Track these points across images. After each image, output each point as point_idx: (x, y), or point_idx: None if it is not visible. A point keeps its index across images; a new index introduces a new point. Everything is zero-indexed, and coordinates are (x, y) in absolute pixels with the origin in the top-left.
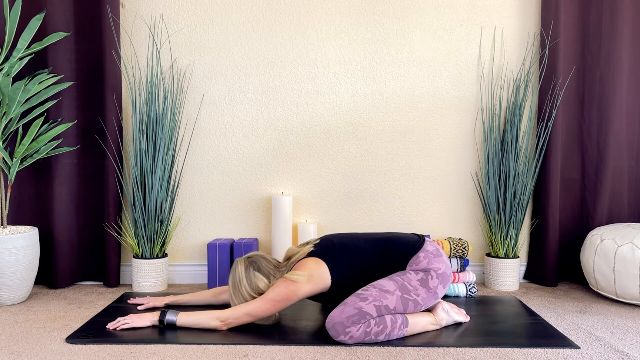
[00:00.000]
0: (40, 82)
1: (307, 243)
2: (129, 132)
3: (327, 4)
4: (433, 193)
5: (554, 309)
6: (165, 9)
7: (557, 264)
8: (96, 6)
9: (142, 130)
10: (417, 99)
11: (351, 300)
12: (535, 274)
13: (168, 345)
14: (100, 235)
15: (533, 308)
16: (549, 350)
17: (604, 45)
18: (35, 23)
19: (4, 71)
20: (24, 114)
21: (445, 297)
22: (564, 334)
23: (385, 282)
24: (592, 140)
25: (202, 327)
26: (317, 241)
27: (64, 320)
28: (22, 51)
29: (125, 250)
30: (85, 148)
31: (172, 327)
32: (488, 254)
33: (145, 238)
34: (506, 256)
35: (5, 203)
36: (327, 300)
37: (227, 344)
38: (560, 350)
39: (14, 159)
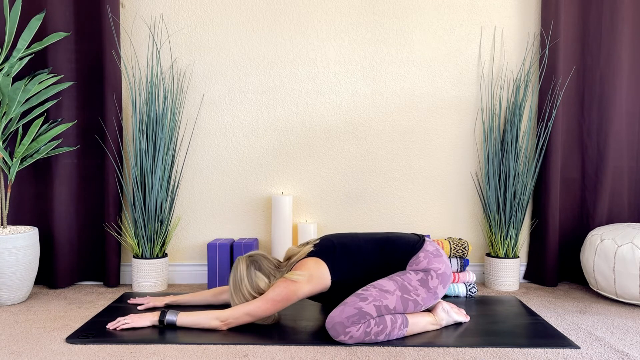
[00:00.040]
0: (40, 82)
1: (307, 243)
2: (129, 132)
3: (327, 4)
4: (433, 193)
5: (554, 309)
6: (165, 9)
7: (557, 264)
8: (96, 6)
9: (142, 130)
10: (417, 99)
11: (351, 300)
12: (535, 274)
13: (168, 345)
14: (100, 235)
15: (533, 308)
16: (549, 350)
17: (604, 45)
18: (35, 23)
19: (4, 71)
20: (24, 114)
21: (445, 297)
22: (564, 334)
23: (385, 282)
24: (592, 140)
25: (202, 327)
26: (317, 241)
27: (64, 320)
28: (22, 51)
29: (125, 250)
30: (85, 148)
31: (172, 327)
32: (488, 254)
33: (145, 238)
34: (506, 256)
35: (5, 203)
36: (327, 300)
37: (227, 344)
38: (560, 350)
39: (14, 159)
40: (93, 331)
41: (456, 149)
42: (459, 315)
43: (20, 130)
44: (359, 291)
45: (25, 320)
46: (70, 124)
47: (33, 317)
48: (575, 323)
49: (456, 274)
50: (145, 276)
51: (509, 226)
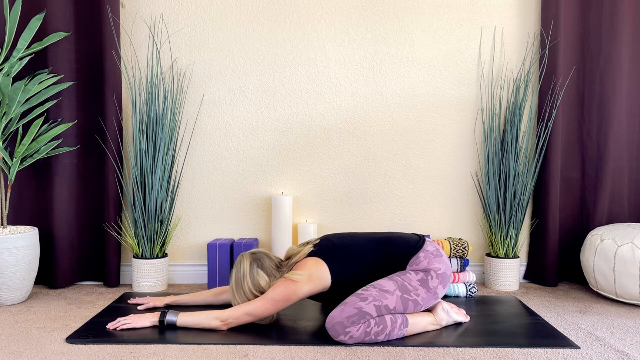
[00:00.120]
0: (40, 82)
1: (307, 243)
2: (129, 132)
3: (327, 4)
4: (433, 193)
5: (554, 309)
6: (165, 9)
7: (557, 264)
8: (96, 6)
9: (142, 130)
10: (417, 99)
11: (351, 300)
12: (535, 274)
13: (168, 345)
14: (100, 235)
15: (533, 308)
16: (549, 350)
17: (604, 45)
18: (35, 23)
19: (4, 71)
20: (24, 114)
21: (445, 297)
22: (564, 334)
23: (385, 282)
24: (592, 140)
25: (202, 327)
26: (317, 241)
27: (64, 320)
28: (22, 51)
29: (125, 250)
30: (85, 148)
31: (172, 327)
32: (488, 254)
33: (145, 238)
34: (506, 256)
35: (5, 203)
36: (327, 300)
37: (227, 344)
38: (560, 350)
39: (14, 159)
40: (93, 331)
41: (456, 149)
42: (459, 315)
43: (20, 130)
44: (359, 291)
45: (25, 320)
46: (70, 124)
47: (33, 317)
48: (575, 323)
49: (456, 274)
50: (145, 276)
51: (509, 226)
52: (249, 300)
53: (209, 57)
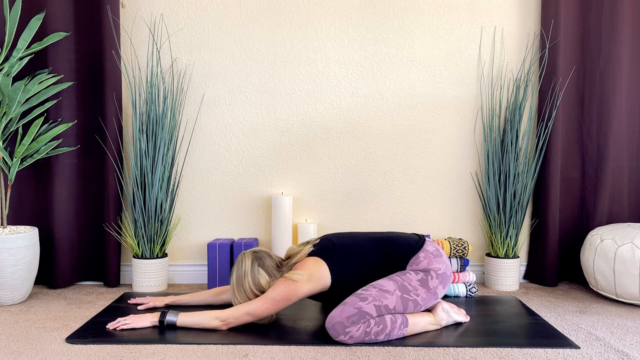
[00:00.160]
0: (40, 82)
1: (307, 243)
2: (129, 132)
3: (327, 4)
4: (433, 193)
5: (554, 309)
6: (165, 9)
7: (557, 264)
8: (96, 6)
9: (142, 130)
10: (417, 99)
11: (351, 300)
12: (535, 274)
13: (168, 345)
14: (100, 235)
15: (533, 308)
16: (549, 350)
17: (604, 45)
18: (35, 23)
19: (4, 71)
20: (24, 114)
21: (445, 297)
22: (564, 334)
23: (385, 282)
24: (592, 140)
25: (202, 327)
26: (317, 241)
27: (64, 320)
28: (22, 51)
29: (125, 250)
30: (85, 148)
31: (173, 327)
32: (488, 254)
33: (145, 238)
34: (506, 256)
35: (5, 203)
36: (327, 299)
37: (227, 344)
38: (560, 350)
39: (14, 159)
40: (93, 331)
41: (456, 149)
42: (459, 315)
43: (20, 130)
44: (359, 291)
45: (25, 320)
46: (70, 124)
47: (33, 317)
48: (575, 323)
49: (456, 274)
50: (145, 276)
51: (509, 226)
52: (249, 298)
53: (209, 57)
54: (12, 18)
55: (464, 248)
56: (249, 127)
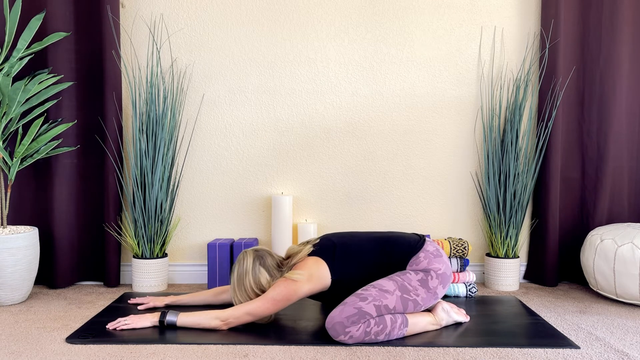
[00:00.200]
0: (40, 82)
1: (307, 242)
2: (129, 132)
3: (327, 4)
4: (433, 193)
5: (554, 309)
6: (165, 9)
7: (557, 263)
8: (96, 6)
9: (142, 130)
10: (417, 99)
11: (351, 300)
12: (535, 274)
13: (168, 345)
14: (100, 235)
15: (533, 308)
16: (549, 350)
17: (604, 45)
18: (35, 23)
19: (4, 71)
20: (24, 114)
21: (445, 297)
22: (564, 334)
23: (385, 282)
24: (592, 140)
25: (202, 327)
26: (317, 241)
27: (64, 320)
28: (22, 51)
29: (125, 250)
30: (85, 148)
31: (173, 327)
32: (488, 254)
33: (145, 238)
34: (506, 256)
35: (5, 203)
36: (327, 299)
37: (227, 344)
38: (560, 350)
39: (14, 159)
40: (93, 331)
41: (456, 149)
42: (459, 315)
43: (20, 130)
44: (359, 291)
45: (25, 320)
46: (70, 124)
47: (33, 317)
48: (575, 323)
49: (456, 274)
50: (145, 276)
51: (509, 226)
52: (249, 297)
53: (209, 57)
54: (12, 18)
55: (464, 248)
56: (249, 127)
